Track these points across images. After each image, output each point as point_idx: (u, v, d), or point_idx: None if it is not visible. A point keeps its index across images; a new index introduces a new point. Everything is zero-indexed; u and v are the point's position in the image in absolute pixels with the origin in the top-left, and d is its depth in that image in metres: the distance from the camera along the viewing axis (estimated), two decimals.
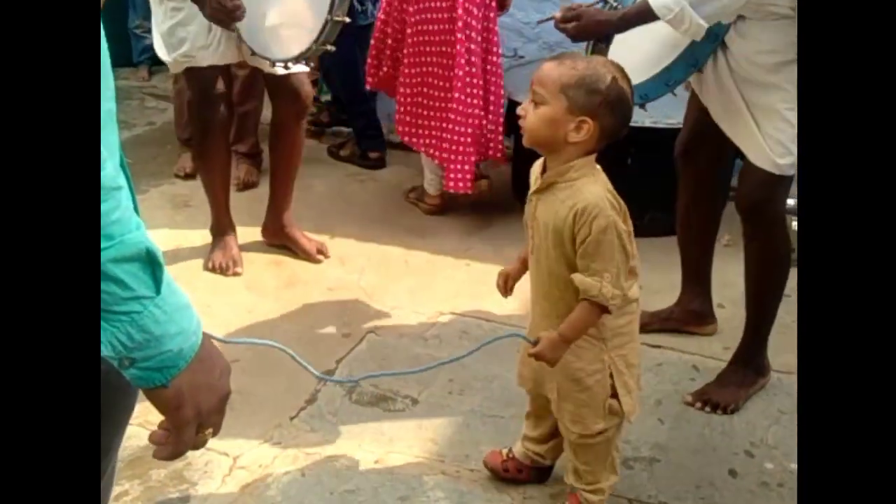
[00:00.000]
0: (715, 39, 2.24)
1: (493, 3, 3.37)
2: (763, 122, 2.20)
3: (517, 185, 3.79)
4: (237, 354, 2.40)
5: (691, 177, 2.58)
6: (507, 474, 2.09)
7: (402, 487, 2.08)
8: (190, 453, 0.97)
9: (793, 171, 2.23)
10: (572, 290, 1.75)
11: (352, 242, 3.34)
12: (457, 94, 3.30)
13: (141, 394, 0.91)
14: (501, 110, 3.50)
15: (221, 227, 3.16)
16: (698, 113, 2.44)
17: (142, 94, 5.04)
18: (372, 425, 2.30)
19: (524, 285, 1.95)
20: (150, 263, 0.83)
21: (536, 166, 1.85)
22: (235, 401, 2.32)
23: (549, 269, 1.79)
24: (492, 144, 3.50)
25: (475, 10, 3.27)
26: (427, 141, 3.47)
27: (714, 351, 2.64)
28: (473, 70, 3.30)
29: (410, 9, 3.33)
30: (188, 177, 3.79)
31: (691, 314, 2.73)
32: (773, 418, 2.38)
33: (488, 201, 3.74)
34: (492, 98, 3.43)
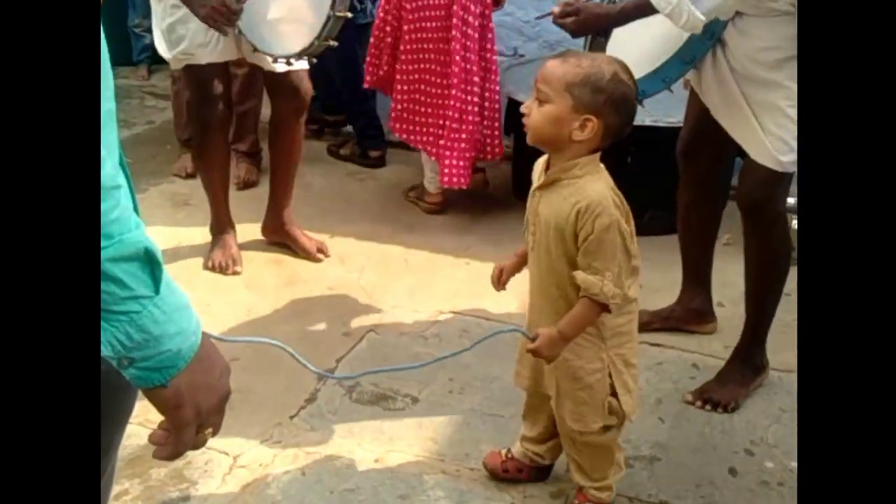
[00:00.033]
0: (711, 36, 2.24)
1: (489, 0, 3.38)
2: (764, 119, 2.20)
3: (517, 183, 3.79)
4: (237, 353, 2.40)
5: (692, 176, 2.58)
6: (506, 475, 2.09)
7: (403, 486, 2.08)
8: (190, 452, 0.97)
9: (793, 169, 2.22)
10: (572, 287, 1.75)
11: (352, 241, 3.34)
12: (454, 91, 3.31)
13: (141, 392, 0.91)
14: (497, 106, 3.51)
15: (221, 225, 3.16)
16: (699, 112, 2.44)
17: (141, 93, 5.04)
18: (372, 424, 2.30)
19: (524, 284, 1.94)
20: (150, 263, 0.82)
21: (540, 163, 1.85)
22: (235, 400, 2.32)
23: (550, 266, 1.79)
24: (489, 145, 3.50)
25: (472, 7, 3.28)
26: (423, 138, 3.48)
27: (714, 349, 2.64)
28: (469, 67, 3.32)
29: (408, 6, 3.33)
30: (189, 177, 3.79)
31: (691, 313, 2.73)
32: (773, 417, 2.38)
33: (488, 200, 3.75)
34: (487, 94, 3.44)
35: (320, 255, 3.20)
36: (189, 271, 3.06)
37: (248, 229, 3.28)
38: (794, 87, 2.11)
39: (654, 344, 2.66)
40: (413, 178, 3.86)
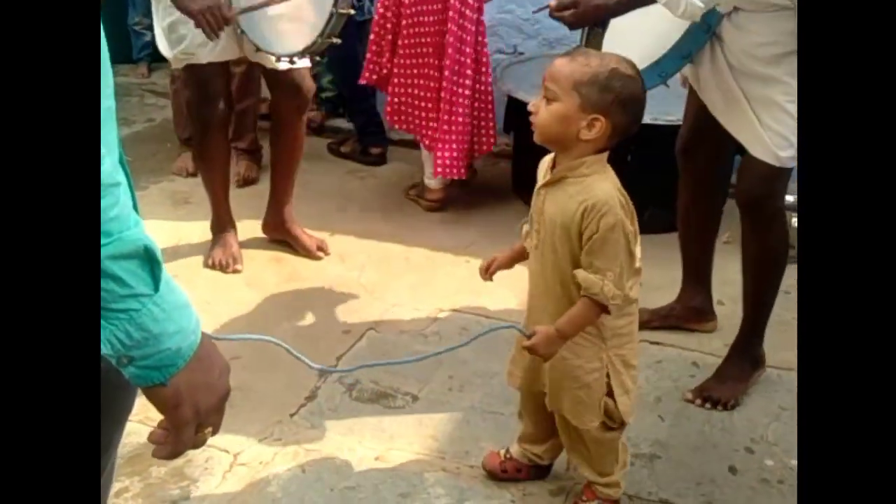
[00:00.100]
0: (708, 30, 2.24)
1: None
2: (763, 115, 2.20)
3: (517, 181, 3.79)
4: (237, 351, 2.40)
5: (691, 174, 2.58)
6: (505, 475, 2.08)
7: (403, 484, 2.08)
8: (190, 450, 0.97)
9: (792, 164, 2.22)
10: (576, 286, 1.74)
11: (352, 239, 3.34)
12: (445, 84, 3.36)
13: (140, 391, 0.91)
14: (490, 98, 3.54)
15: (221, 224, 3.16)
16: (697, 110, 2.44)
17: (141, 91, 5.04)
18: (372, 422, 2.31)
19: (524, 281, 1.94)
20: (149, 261, 0.82)
21: (545, 161, 1.84)
22: (236, 397, 2.32)
23: (554, 265, 1.78)
24: (482, 137, 3.55)
25: (471, 1, 3.33)
26: (420, 130, 3.50)
27: (714, 348, 2.64)
28: (463, 59, 3.36)
29: (406, 0, 3.35)
30: (190, 176, 3.80)
31: (692, 311, 2.73)
32: (773, 415, 2.38)
33: (489, 198, 3.75)
34: (479, 87, 3.48)
35: (320, 253, 3.20)
36: (189, 269, 3.06)
37: (249, 227, 3.28)
38: (792, 82, 2.11)
39: (654, 342, 2.66)
40: (413, 176, 3.86)
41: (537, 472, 2.09)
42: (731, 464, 2.19)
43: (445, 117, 3.40)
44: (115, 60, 0.87)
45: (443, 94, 3.38)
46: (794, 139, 2.15)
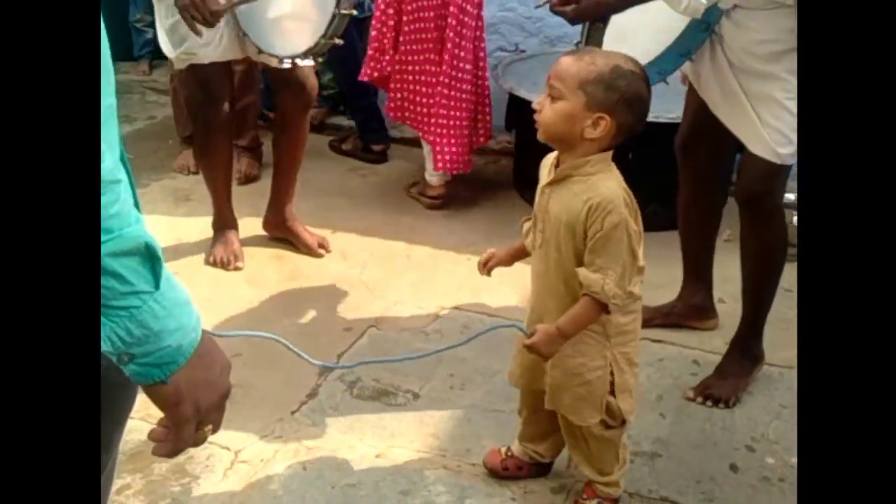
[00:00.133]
0: (707, 28, 2.24)
1: None
2: (762, 112, 2.20)
3: (519, 179, 3.79)
4: (238, 349, 2.40)
5: (691, 172, 2.58)
6: (506, 472, 2.08)
7: (404, 482, 2.08)
8: (191, 447, 0.97)
9: (792, 161, 2.22)
10: (579, 286, 1.73)
11: (353, 237, 3.34)
12: (442, 78, 3.38)
13: (141, 388, 0.91)
14: (487, 92, 3.57)
15: (223, 222, 3.16)
16: (697, 107, 2.44)
17: (142, 89, 5.04)
18: (373, 419, 2.31)
19: (525, 279, 1.94)
20: (150, 258, 0.82)
21: (548, 159, 1.83)
22: (237, 395, 2.31)
23: (558, 264, 1.78)
24: (481, 130, 3.58)
25: None
26: (421, 126, 3.50)
27: (715, 346, 2.64)
28: (461, 53, 3.38)
29: None
30: (191, 174, 3.80)
31: (692, 309, 2.73)
32: (774, 413, 2.38)
33: (490, 195, 3.75)
34: (478, 82, 3.51)
35: (322, 251, 3.20)
36: (190, 267, 3.07)
37: (250, 224, 3.28)
38: (791, 78, 2.11)
39: (655, 340, 2.66)
40: (414, 174, 3.86)
41: (538, 469, 2.09)
42: (732, 462, 2.19)
43: (445, 112, 3.42)
44: (117, 58, 0.87)
45: (443, 90, 3.40)
46: (794, 136, 2.15)
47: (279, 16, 2.76)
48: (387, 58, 3.50)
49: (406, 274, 3.10)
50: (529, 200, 3.51)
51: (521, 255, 1.94)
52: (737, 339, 2.47)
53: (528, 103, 1.79)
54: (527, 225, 1.91)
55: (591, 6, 2.20)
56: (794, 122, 2.13)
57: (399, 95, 3.53)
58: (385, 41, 3.49)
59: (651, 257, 1.82)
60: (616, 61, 1.69)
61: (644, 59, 2.29)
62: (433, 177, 3.59)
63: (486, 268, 1.98)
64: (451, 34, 3.34)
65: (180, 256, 3.13)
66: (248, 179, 3.79)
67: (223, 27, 2.77)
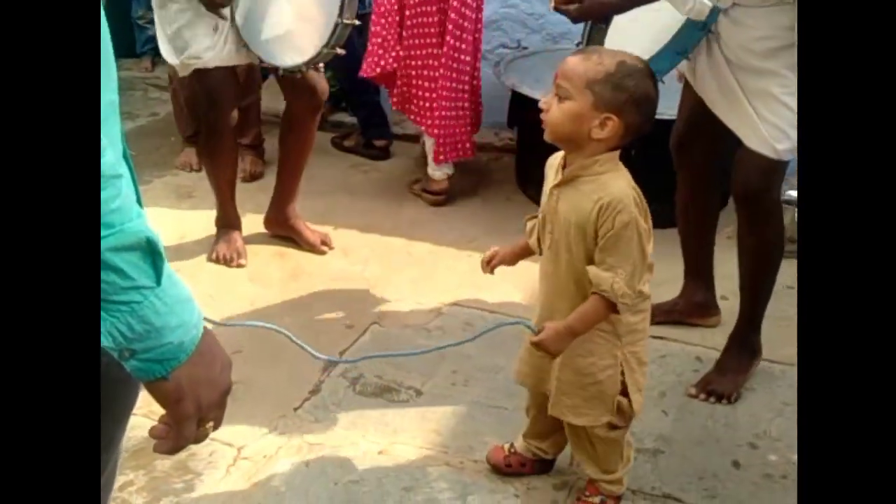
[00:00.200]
0: (703, 27, 2.24)
1: None
2: (760, 108, 2.20)
3: (521, 176, 3.79)
4: (240, 345, 2.41)
5: (687, 169, 2.58)
6: (509, 469, 2.08)
7: (406, 478, 2.08)
8: (194, 444, 0.97)
9: (789, 157, 2.23)
10: (590, 285, 1.72)
11: (355, 233, 3.34)
12: (444, 71, 3.41)
13: (142, 385, 0.91)
14: (479, 84, 3.60)
15: (227, 220, 3.15)
16: (693, 104, 2.44)
17: (145, 85, 5.03)
18: (376, 416, 2.31)
19: (527, 275, 1.94)
20: (151, 253, 0.82)
21: (555, 160, 1.82)
22: (239, 391, 2.32)
23: (569, 264, 1.76)
24: (475, 119, 3.64)
25: None
26: (426, 122, 3.51)
27: (717, 342, 2.63)
28: (460, 45, 3.40)
29: None
30: (193, 171, 3.80)
31: (695, 306, 2.73)
32: (776, 410, 2.37)
33: (492, 192, 3.75)
34: (476, 73, 3.54)
35: (324, 248, 3.20)
36: (193, 263, 3.07)
37: (252, 221, 3.28)
38: (788, 74, 2.12)
39: (658, 337, 2.66)
40: (416, 170, 3.86)
41: (541, 466, 2.09)
42: (735, 459, 2.19)
43: (447, 104, 3.45)
44: (119, 54, 0.87)
45: (444, 83, 3.42)
46: (791, 132, 2.16)
47: (282, 25, 2.75)
48: (393, 54, 3.50)
49: (408, 270, 3.10)
50: (531, 197, 3.54)
51: (524, 253, 1.94)
52: (735, 334, 2.48)
53: (531, 100, 1.79)
54: (530, 224, 1.90)
55: (594, 6, 2.20)
56: (791, 117, 2.14)
57: (403, 90, 3.54)
58: (388, 37, 3.49)
59: (655, 254, 1.81)
60: (624, 61, 1.68)
61: (643, 57, 2.30)
62: (436, 171, 3.59)
63: (489, 266, 1.97)
64: (452, 27, 3.36)
65: (183, 253, 3.13)
66: (254, 177, 3.79)
67: (227, 31, 2.77)
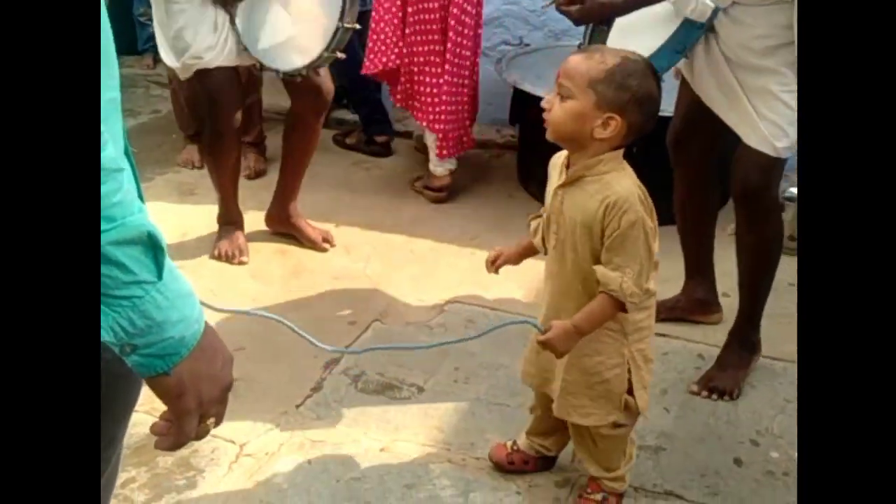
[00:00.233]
0: (702, 26, 2.24)
1: None
2: (759, 105, 2.20)
3: (522, 172, 3.79)
4: (243, 342, 2.41)
5: (684, 167, 2.58)
6: (511, 466, 2.08)
7: (408, 475, 2.08)
8: (195, 441, 0.97)
9: (788, 154, 2.23)
10: (597, 284, 1.71)
11: (357, 231, 3.34)
12: (447, 66, 3.42)
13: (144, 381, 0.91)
14: (478, 78, 3.62)
15: (230, 217, 3.15)
16: (690, 102, 2.44)
17: (146, 83, 5.04)
18: (377, 413, 2.31)
19: (529, 273, 1.94)
20: (152, 247, 0.81)
21: (558, 159, 1.82)
22: (241, 388, 2.33)
23: (575, 264, 1.76)
24: (472, 112, 3.66)
25: None
26: (428, 117, 3.51)
27: (719, 339, 2.63)
28: (461, 41, 3.41)
29: None
30: (195, 168, 3.80)
31: (696, 303, 2.74)
32: (778, 407, 2.38)
33: (493, 189, 3.75)
34: (474, 68, 3.56)
35: (326, 245, 3.20)
36: (195, 260, 3.07)
37: (254, 218, 3.28)
38: (787, 71, 2.13)
39: (660, 334, 2.65)
40: (418, 167, 3.86)
41: (544, 463, 2.09)
42: (736, 456, 2.19)
43: (448, 98, 3.46)
44: (121, 52, 0.87)
45: (447, 77, 3.43)
46: (790, 129, 2.16)
47: (281, 33, 2.75)
48: (395, 51, 3.49)
49: (410, 268, 3.10)
50: (533, 194, 3.54)
51: (528, 252, 1.93)
52: (735, 331, 2.49)
53: (533, 97, 1.78)
54: (534, 223, 1.90)
55: (595, 7, 2.21)
56: (790, 115, 2.14)
57: (406, 87, 3.55)
58: (391, 34, 3.49)
59: (657, 252, 1.81)
60: (626, 60, 1.67)
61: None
62: (438, 167, 3.59)
63: (493, 266, 1.96)
64: (454, 23, 3.37)
65: (185, 250, 3.13)
66: (257, 174, 3.79)
67: (227, 32, 2.76)
